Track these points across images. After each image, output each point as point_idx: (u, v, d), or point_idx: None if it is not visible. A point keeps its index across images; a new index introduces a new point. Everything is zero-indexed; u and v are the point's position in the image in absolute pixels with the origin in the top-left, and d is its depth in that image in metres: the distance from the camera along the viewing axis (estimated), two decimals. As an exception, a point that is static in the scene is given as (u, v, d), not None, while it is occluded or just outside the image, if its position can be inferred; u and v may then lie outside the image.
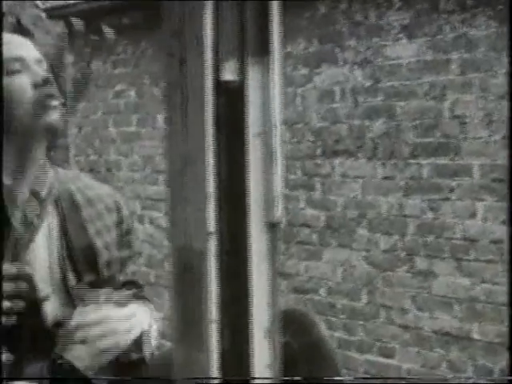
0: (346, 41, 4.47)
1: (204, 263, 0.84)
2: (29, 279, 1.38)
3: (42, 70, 1.49)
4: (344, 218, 4.53)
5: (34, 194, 1.49)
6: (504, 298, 3.81)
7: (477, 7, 3.92)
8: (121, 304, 1.41)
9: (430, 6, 4.10)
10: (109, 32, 5.61)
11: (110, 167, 5.94)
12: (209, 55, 0.82)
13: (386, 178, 4.36)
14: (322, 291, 4.67)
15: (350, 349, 4.53)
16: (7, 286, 1.33)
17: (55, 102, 1.48)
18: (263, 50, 0.84)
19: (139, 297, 1.56)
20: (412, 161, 4.24)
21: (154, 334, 1.49)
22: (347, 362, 4.46)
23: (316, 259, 4.67)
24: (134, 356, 1.46)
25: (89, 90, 5.98)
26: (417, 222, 4.23)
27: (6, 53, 1.47)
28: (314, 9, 4.54)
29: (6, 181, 1.47)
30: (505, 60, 3.75)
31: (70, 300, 1.48)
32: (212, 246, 0.83)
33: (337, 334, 4.54)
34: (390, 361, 4.36)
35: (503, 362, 3.86)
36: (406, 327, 4.29)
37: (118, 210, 1.60)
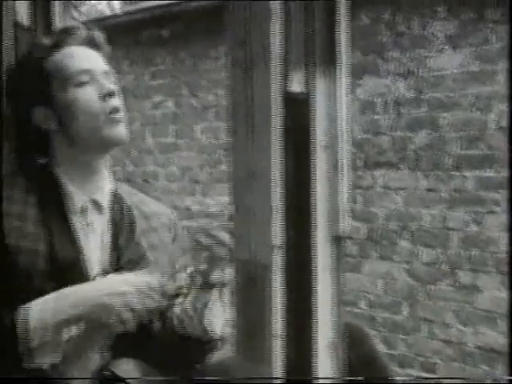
0: (388, 52, 4.43)
1: (268, 276, 0.82)
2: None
3: (109, 83, 1.49)
4: (385, 229, 4.49)
5: (94, 204, 1.50)
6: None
7: (523, 17, 3.87)
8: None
9: (476, 15, 4.05)
10: (148, 43, 5.64)
11: (147, 178, 5.95)
12: (276, 65, 0.81)
13: (429, 190, 4.31)
14: (362, 304, 4.63)
15: (391, 363, 4.48)
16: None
17: (121, 115, 1.48)
18: (331, 60, 0.83)
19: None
20: (456, 173, 4.19)
21: (218, 313, 1.44)
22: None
23: (356, 271, 4.64)
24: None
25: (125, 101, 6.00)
26: (460, 234, 4.17)
27: (75, 65, 1.49)
28: (357, 19, 4.51)
29: (69, 188, 1.48)
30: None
31: None
32: (277, 259, 0.82)
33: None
34: (431, 375, 4.30)
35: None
36: (448, 342, 4.23)
37: (175, 227, 1.60)
